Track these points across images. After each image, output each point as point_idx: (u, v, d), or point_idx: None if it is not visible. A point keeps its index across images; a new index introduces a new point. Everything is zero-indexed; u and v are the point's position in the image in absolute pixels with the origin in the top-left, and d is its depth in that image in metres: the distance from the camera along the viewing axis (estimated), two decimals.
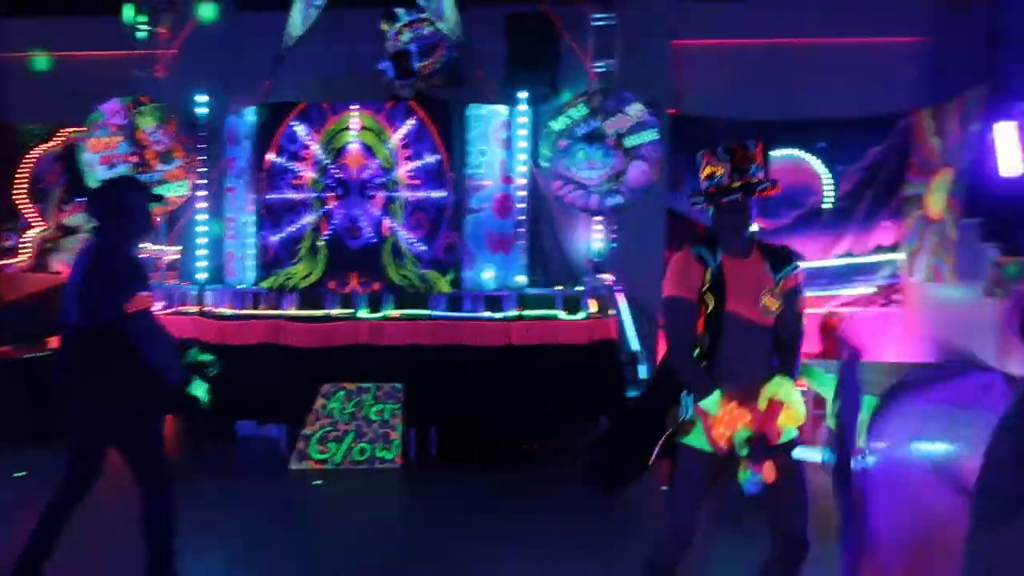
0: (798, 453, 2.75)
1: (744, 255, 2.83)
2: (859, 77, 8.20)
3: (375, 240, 6.38)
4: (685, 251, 2.86)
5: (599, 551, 4.24)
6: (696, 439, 2.78)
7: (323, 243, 6.41)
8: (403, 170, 6.33)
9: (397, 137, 6.33)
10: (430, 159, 6.33)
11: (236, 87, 7.44)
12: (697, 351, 2.81)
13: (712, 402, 2.69)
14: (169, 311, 6.51)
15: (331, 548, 4.37)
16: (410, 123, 6.32)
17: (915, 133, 8.00)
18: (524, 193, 6.62)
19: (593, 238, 7.64)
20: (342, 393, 5.97)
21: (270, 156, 6.46)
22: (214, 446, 6.26)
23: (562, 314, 6.35)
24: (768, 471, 2.58)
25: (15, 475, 5.26)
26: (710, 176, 2.79)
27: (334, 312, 6.36)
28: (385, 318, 6.27)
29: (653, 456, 2.90)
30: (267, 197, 6.49)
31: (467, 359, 6.16)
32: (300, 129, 6.38)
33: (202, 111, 7.16)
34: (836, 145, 8.31)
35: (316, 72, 7.64)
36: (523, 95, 6.54)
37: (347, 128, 6.34)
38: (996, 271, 6.39)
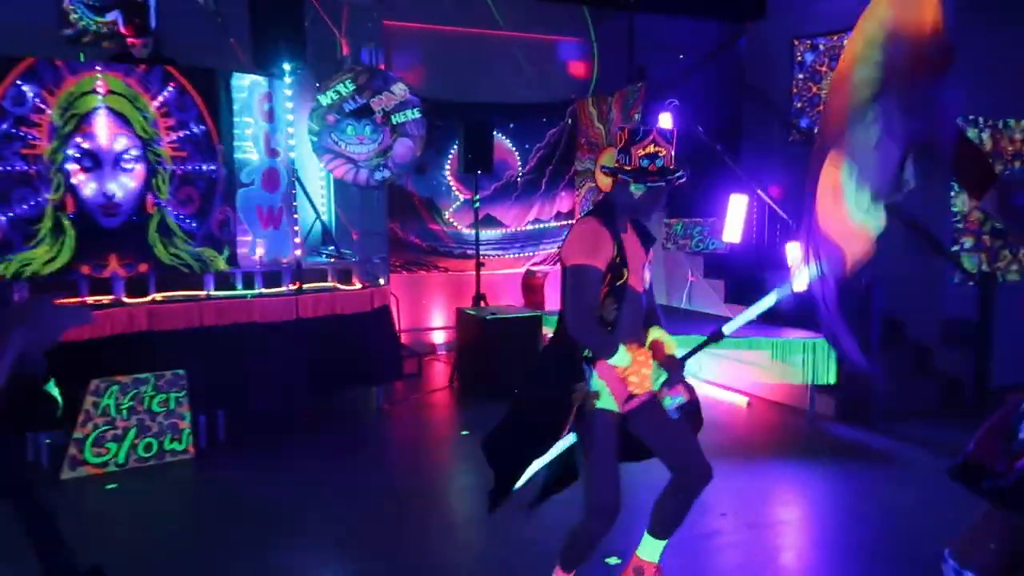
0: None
1: (625, 230, 2.98)
2: (538, 68, 9.56)
3: (137, 218, 5.79)
4: (594, 222, 2.87)
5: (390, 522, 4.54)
6: (607, 402, 2.90)
7: (69, 222, 5.61)
8: (166, 141, 5.83)
9: (155, 104, 5.80)
10: (196, 130, 5.93)
11: None
12: (600, 318, 2.86)
13: (620, 357, 2.79)
14: None
15: (146, 549, 4.21)
16: (169, 89, 5.83)
17: (581, 118, 9.62)
18: (293, 167, 6.52)
19: (322, 211, 7.83)
20: (116, 388, 5.41)
21: None
22: None
23: (340, 285, 6.54)
24: (684, 390, 2.83)
25: None
26: (652, 155, 2.82)
27: (91, 300, 5.67)
28: (153, 301, 5.79)
29: (567, 431, 2.91)
30: None
31: (252, 337, 6.03)
32: (28, 90, 5.45)
33: None
34: (522, 126, 9.58)
35: None
36: (287, 67, 6.41)
37: (92, 92, 5.61)
38: (667, 229, 8.23)
